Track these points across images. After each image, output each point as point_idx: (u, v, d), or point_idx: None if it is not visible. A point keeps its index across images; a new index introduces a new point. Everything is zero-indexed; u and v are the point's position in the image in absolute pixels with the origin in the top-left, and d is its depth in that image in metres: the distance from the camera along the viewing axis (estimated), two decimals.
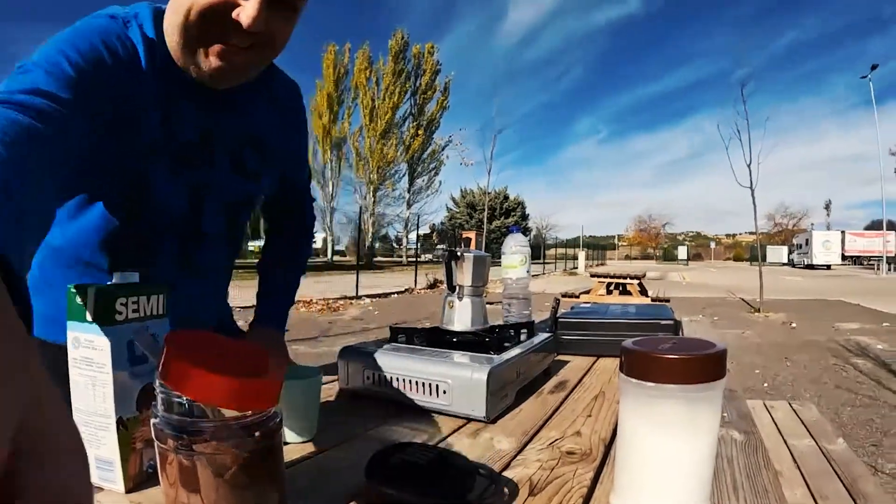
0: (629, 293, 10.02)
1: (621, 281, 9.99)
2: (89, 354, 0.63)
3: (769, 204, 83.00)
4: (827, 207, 60.20)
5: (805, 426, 2.15)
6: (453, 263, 1.18)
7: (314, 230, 1.49)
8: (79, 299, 0.63)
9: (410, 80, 42.02)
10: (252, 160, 1.11)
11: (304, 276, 1.44)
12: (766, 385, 5.16)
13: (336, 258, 50.61)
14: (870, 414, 4.21)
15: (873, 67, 35.79)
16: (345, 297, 12.64)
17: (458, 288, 1.19)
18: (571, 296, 9.89)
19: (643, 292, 10.26)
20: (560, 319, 1.55)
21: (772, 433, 2.13)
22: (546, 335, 1.26)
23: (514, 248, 1.67)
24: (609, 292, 10.28)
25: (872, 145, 47.03)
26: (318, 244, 71.21)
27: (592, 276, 10.31)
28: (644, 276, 10.48)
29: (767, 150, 11.74)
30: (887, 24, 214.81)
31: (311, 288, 15.59)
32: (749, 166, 11.47)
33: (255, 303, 1.33)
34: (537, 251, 42.84)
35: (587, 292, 10.23)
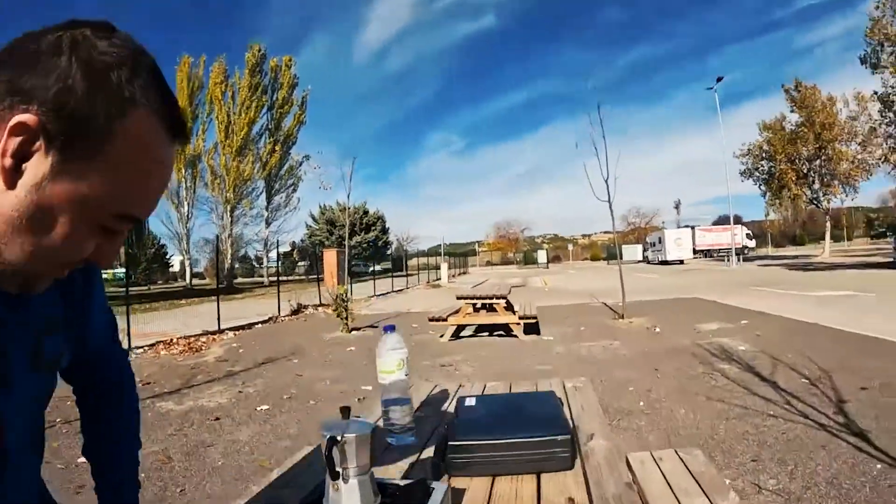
0: (495, 311, 10.21)
1: (488, 301, 10.14)
2: None
3: (622, 205, 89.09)
4: (677, 207, 65.33)
5: (695, 479, 2.18)
6: (333, 449, 1.05)
7: (127, 363, 1.24)
8: None
9: (267, 95, 42.60)
10: (50, 346, 0.89)
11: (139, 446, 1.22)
12: (641, 404, 5.36)
13: (195, 281, 49.80)
14: (744, 426, 4.47)
15: (719, 79, 39.43)
16: (206, 333, 11.99)
17: (341, 472, 1.06)
18: (439, 319, 9.92)
19: (509, 308, 10.49)
20: (450, 443, 1.45)
21: (664, 493, 2.12)
22: (443, 489, 1.16)
23: (390, 351, 1.60)
24: (476, 311, 10.40)
25: (718, 149, 53.40)
26: (175, 268, 68.94)
27: (459, 298, 10.39)
28: (510, 291, 10.69)
29: (621, 163, 12.54)
30: (727, 42, 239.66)
31: (170, 322, 14.77)
32: (606, 181, 12.14)
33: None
34: (399, 263, 43.52)
35: (456, 312, 10.31)
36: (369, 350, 9.26)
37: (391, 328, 1.69)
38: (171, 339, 10.81)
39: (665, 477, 2.28)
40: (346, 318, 11.40)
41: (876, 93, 21.98)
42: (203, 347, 10.45)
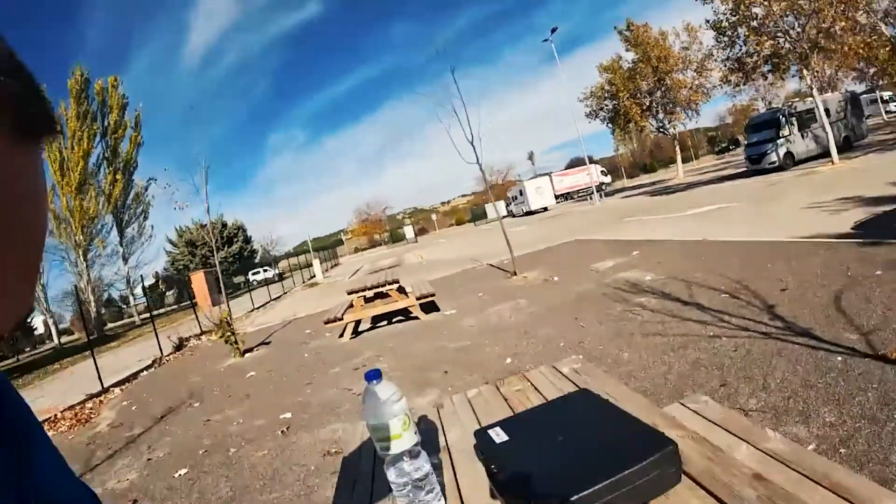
0: (389, 297, 10.05)
1: (379, 289, 9.93)
2: None
3: (477, 168, 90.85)
4: (530, 158, 67.08)
5: (723, 428, 2.07)
6: None
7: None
8: None
9: (98, 121, 39.49)
10: None
11: None
12: (582, 358, 5.34)
13: (64, 339, 46.73)
14: (693, 353, 4.56)
15: (553, 30, 41.00)
16: (91, 396, 10.77)
17: None
18: (335, 319, 9.57)
19: (401, 291, 10.35)
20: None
21: (703, 452, 2.01)
22: None
23: (386, 407, 1.25)
24: (369, 301, 10.18)
25: (562, 96, 56.02)
26: (39, 330, 63.99)
27: (349, 292, 10.06)
28: (398, 279, 10.50)
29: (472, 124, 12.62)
30: None
31: (49, 392, 13.28)
32: (472, 142, 12.18)
33: None
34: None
35: (351, 306, 10.01)
36: (269, 372, 8.80)
37: (375, 374, 1.29)
38: (55, 415, 9.69)
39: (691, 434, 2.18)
40: (236, 342, 10.77)
41: (707, 21, 23.80)
42: (92, 415, 9.43)
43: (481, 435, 1.52)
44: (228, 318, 10.89)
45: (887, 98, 51.43)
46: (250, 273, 51.07)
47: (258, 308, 22.89)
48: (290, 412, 6.22)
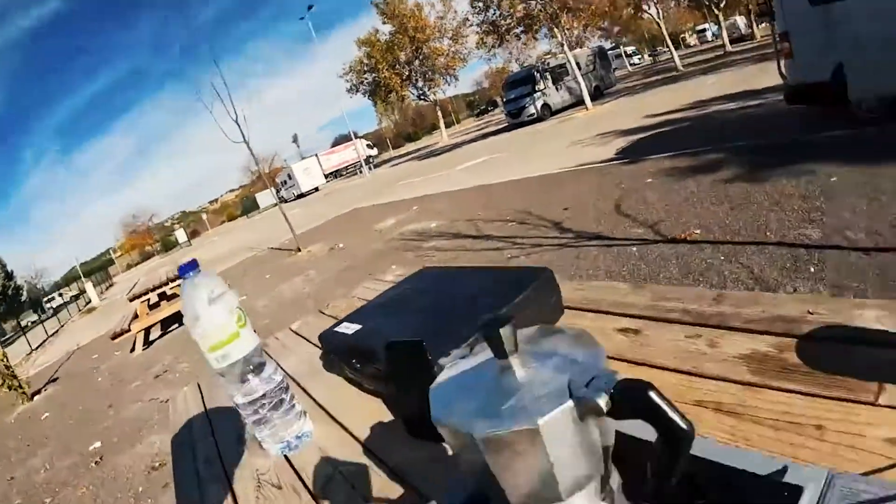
0: (174, 296, 9.34)
1: (161, 290, 9.11)
2: None
3: (240, 159, 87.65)
4: (295, 140, 65.69)
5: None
6: None
7: None
8: None
9: None
10: None
11: None
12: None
13: None
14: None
15: (309, 8, 40.46)
16: None
17: None
18: (123, 332, 8.62)
19: None
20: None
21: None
22: None
23: (213, 304, 0.96)
24: (155, 306, 9.35)
25: (323, 74, 55.13)
26: None
27: (132, 299, 9.05)
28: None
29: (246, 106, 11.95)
30: None
31: None
32: (237, 122, 11.40)
33: None
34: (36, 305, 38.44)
35: (136, 316, 9.05)
36: (64, 407, 7.74)
37: (192, 266, 0.99)
38: None
39: None
40: (20, 386, 9.25)
41: None
42: None
43: (329, 336, 1.30)
44: (5, 360, 9.36)
45: (630, 52, 62.57)
46: (44, 301, 45.77)
47: (36, 349, 20.41)
48: (98, 440, 5.45)
